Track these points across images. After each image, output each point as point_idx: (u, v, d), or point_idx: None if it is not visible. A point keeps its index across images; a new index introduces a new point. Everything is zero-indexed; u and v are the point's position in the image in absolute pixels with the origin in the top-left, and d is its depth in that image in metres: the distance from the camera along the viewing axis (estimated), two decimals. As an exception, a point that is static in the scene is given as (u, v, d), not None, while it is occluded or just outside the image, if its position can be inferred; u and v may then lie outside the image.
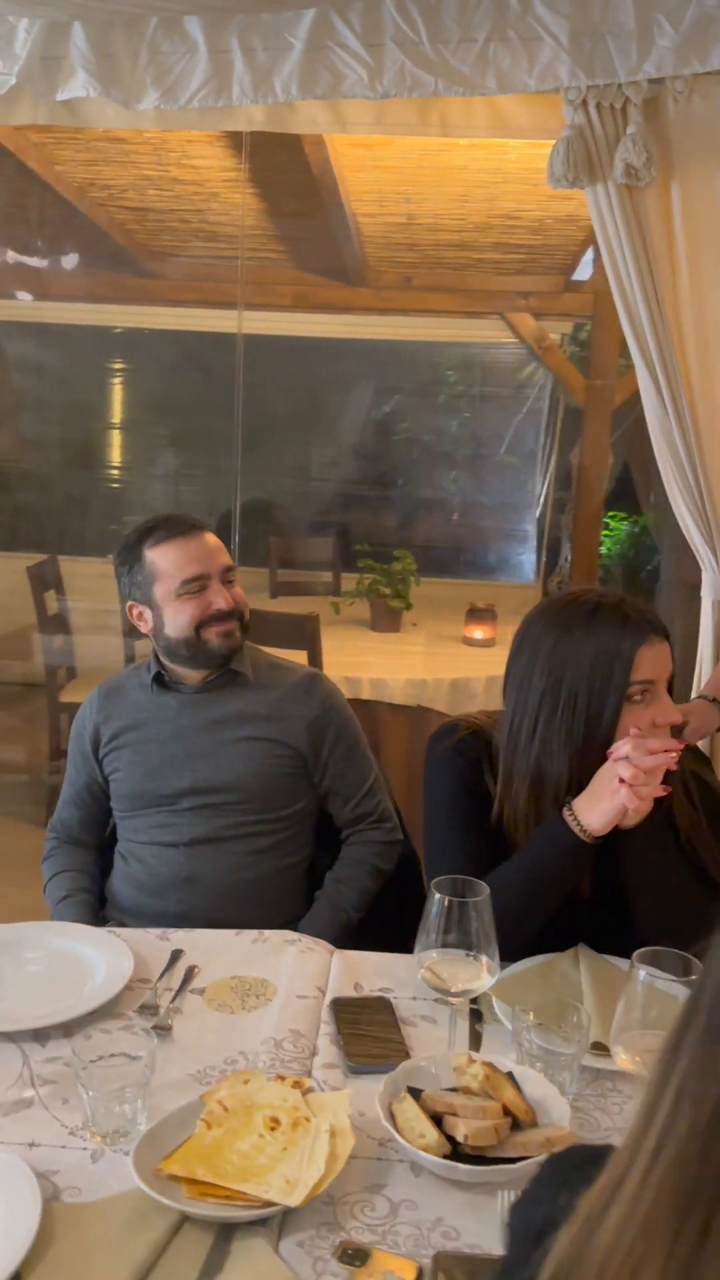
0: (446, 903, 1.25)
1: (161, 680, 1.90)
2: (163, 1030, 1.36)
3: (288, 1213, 1.05)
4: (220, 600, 1.82)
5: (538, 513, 5.77)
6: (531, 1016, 1.25)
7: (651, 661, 1.48)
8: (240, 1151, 1.10)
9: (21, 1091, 1.24)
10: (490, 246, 4.70)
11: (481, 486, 5.89)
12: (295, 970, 1.52)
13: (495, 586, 5.43)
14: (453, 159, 3.56)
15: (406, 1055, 1.31)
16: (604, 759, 1.48)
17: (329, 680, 1.97)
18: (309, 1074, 1.29)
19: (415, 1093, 1.18)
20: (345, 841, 1.96)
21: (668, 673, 1.51)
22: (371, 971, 1.54)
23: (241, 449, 4.23)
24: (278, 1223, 1.04)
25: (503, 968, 1.31)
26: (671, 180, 2.19)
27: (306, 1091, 1.18)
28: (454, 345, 5.96)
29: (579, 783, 1.50)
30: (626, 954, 1.24)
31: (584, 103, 2.15)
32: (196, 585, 1.81)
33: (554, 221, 4.26)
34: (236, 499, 4.27)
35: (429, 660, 3.60)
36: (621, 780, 1.40)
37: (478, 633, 3.87)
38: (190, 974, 1.50)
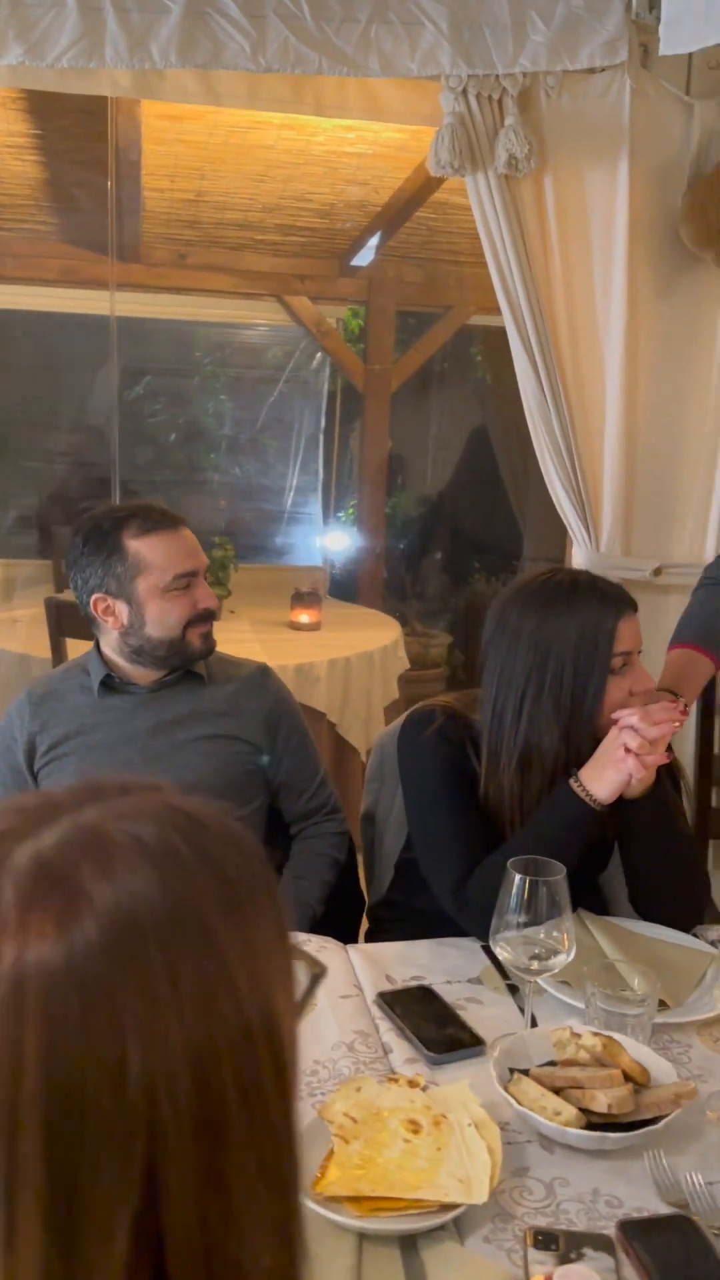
0: (527, 883, 1.26)
1: (109, 682, 1.77)
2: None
3: (462, 1214, 1.03)
4: (208, 599, 1.73)
5: (320, 496, 5.83)
6: (590, 985, 1.30)
7: (629, 633, 1.56)
8: (392, 1160, 1.07)
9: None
10: (272, 228, 4.67)
11: (266, 471, 5.87)
12: (321, 971, 1.48)
13: (286, 570, 5.44)
14: (261, 138, 3.51)
15: (478, 1039, 1.32)
16: (592, 731, 1.55)
17: (275, 672, 1.92)
18: (392, 1071, 1.27)
19: (522, 1072, 1.20)
20: (298, 836, 1.92)
21: (640, 644, 1.60)
22: (394, 961, 1.53)
23: None
24: (453, 1225, 1.03)
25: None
26: (545, 173, 2.29)
27: (424, 1089, 1.17)
28: (227, 326, 5.88)
29: (569, 755, 1.56)
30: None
31: (464, 91, 2.19)
32: (186, 581, 1.71)
33: (344, 207, 4.30)
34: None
35: (265, 648, 3.56)
36: (628, 749, 1.47)
37: (304, 617, 3.87)
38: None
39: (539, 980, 1.34)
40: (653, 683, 1.60)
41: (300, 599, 3.87)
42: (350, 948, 1.56)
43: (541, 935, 1.27)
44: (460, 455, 6.06)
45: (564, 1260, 0.98)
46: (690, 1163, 1.12)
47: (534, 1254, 0.99)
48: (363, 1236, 1.00)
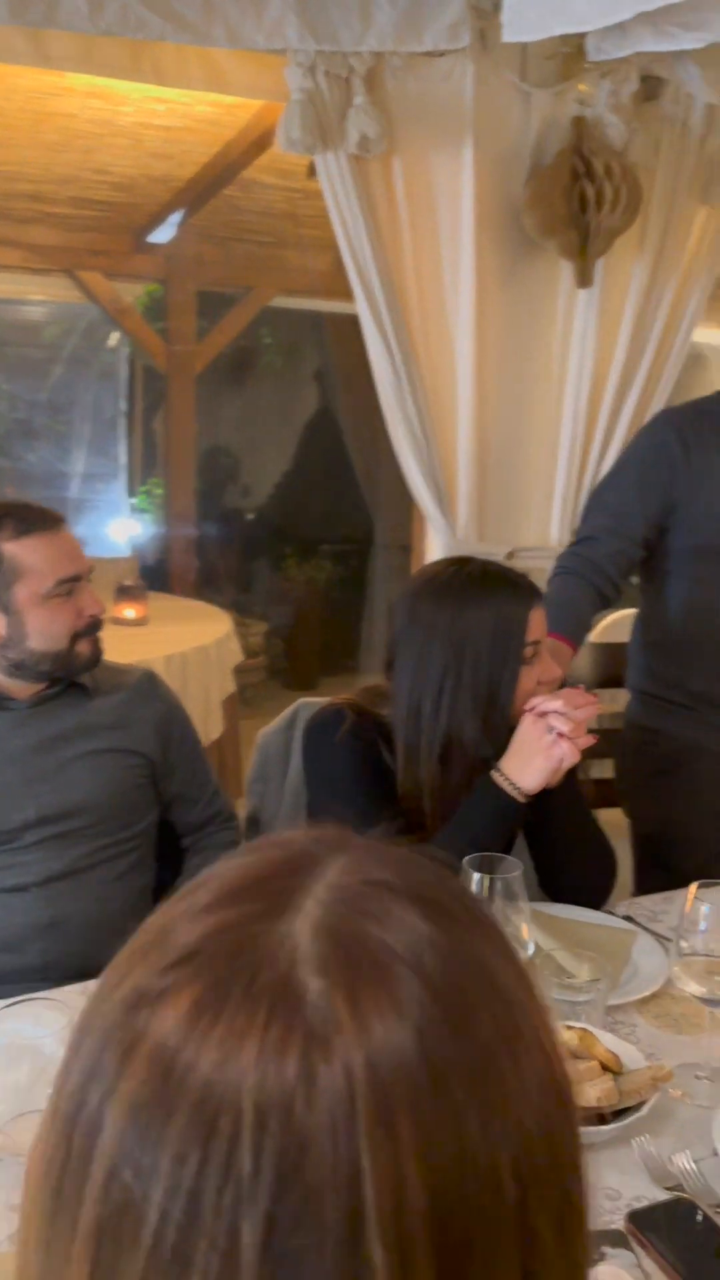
0: (486, 880, 1.25)
1: (-15, 701, 1.62)
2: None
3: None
4: (94, 605, 1.60)
5: (124, 482, 5.61)
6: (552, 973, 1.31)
7: (538, 622, 1.58)
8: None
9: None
10: (65, 200, 4.43)
11: (63, 456, 5.58)
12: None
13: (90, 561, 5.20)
14: (62, 105, 3.31)
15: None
16: (507, 719, 1.56)
17: (161, 677, 1.81)
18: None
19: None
20: (192, 849, 1.83)
21: (545, 632, 1.62)
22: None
23: None
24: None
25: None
26: (394, 156, 2.26)
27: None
28: (13, 303, 5.54)
29: (489, 747, 1.56)
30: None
31: (312, 68, 2.13)
32: (69, 587, 1.57)
33: (146, 181, 4.13)
34: None
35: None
36: (561, 735, 1.48)
37: (129, 611, 3.71)
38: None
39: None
40: (559, 671, 1.62)
41: (125, 593, 3.71)
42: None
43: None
44: (298, 444, 5.99)
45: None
46: (671, 1143, 1.14)
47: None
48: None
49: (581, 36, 2.28)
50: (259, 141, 3.32)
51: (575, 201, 2.30)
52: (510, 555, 2.51)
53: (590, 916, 1.60)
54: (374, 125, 2.16)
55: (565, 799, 1.57)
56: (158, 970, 0.39)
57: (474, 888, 1.25)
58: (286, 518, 5.89)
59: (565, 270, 2.45)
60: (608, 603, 2.01)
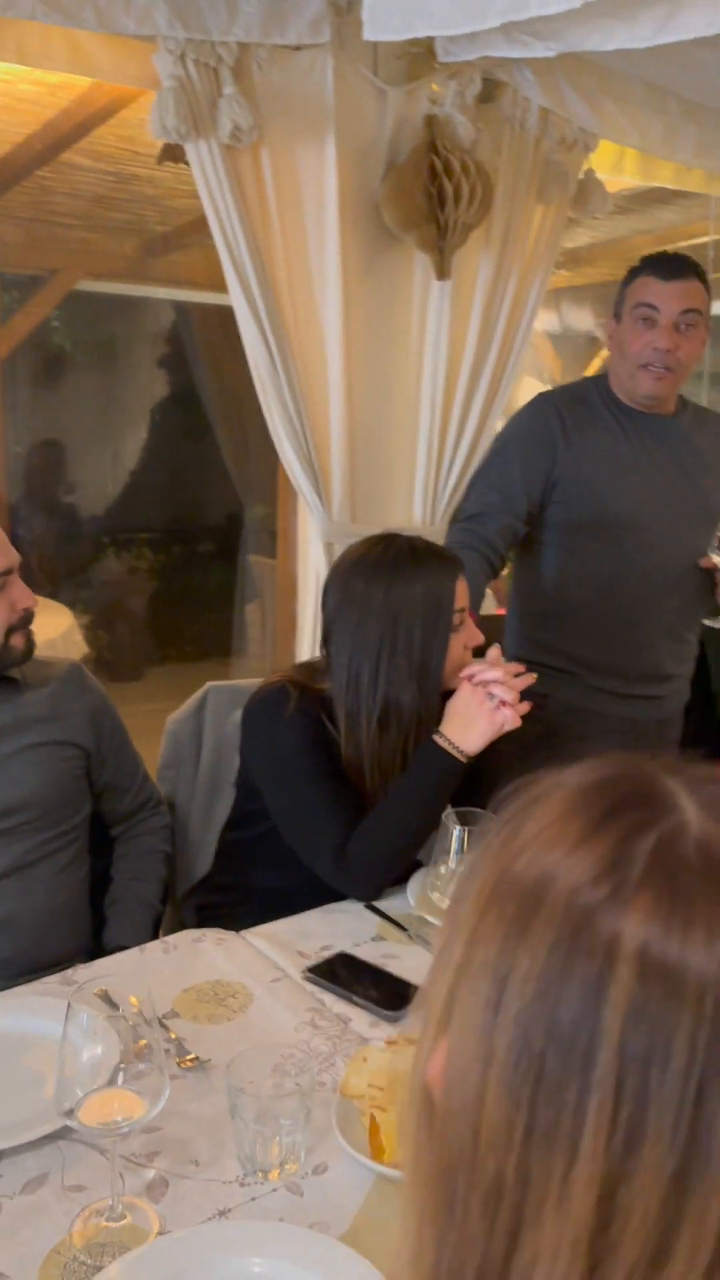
0: (467, 833, 1.35)
1: None
2: (201, 1061, 1.24)
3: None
4: (26, 598, 1.57)
5: None
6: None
7: (462, 592, 1.69)
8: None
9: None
10: None
11: None
12: (237, 961, 1.46)
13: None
14: None
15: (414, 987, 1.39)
16: (439, 684, 1.66)
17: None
18: (364, 1039, 1.30)
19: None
20: (122, 837, 1.84)
21: (468, 601, 1.74)
22: (295, 938, 1.54)
23: None
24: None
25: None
26: (262, 147, 2.30)
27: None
28: None
29: (423, 709, 1.66)
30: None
31: (182, 55, 2.14)
32: (1, 581, 1.54)
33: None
34: None
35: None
36: (503, 702, 1.60)
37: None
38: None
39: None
40: (481, 637, 1.74)
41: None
42: (246, 934, 1.55)
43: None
44: (148, 431, 5.84)
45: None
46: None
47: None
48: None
49: (432, 38, 2.40)
50: (85, 123, 3.26)
51: (434, 197, 2.41)
52: (381, 535, 2.61)
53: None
54: (245, 115, 2.19)
55: (499, 755, 1.69)
56: (590, 881, 0.46)
57: (455, 841, 1.35)
58: (123, 508, 5.78)
59: (420, 262, 2.57)
60: (496, 574, 2.15)
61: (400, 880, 1.66)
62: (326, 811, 1.62)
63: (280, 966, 1.46)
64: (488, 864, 0.51)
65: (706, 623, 2.21)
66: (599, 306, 5.43)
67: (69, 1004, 0.99)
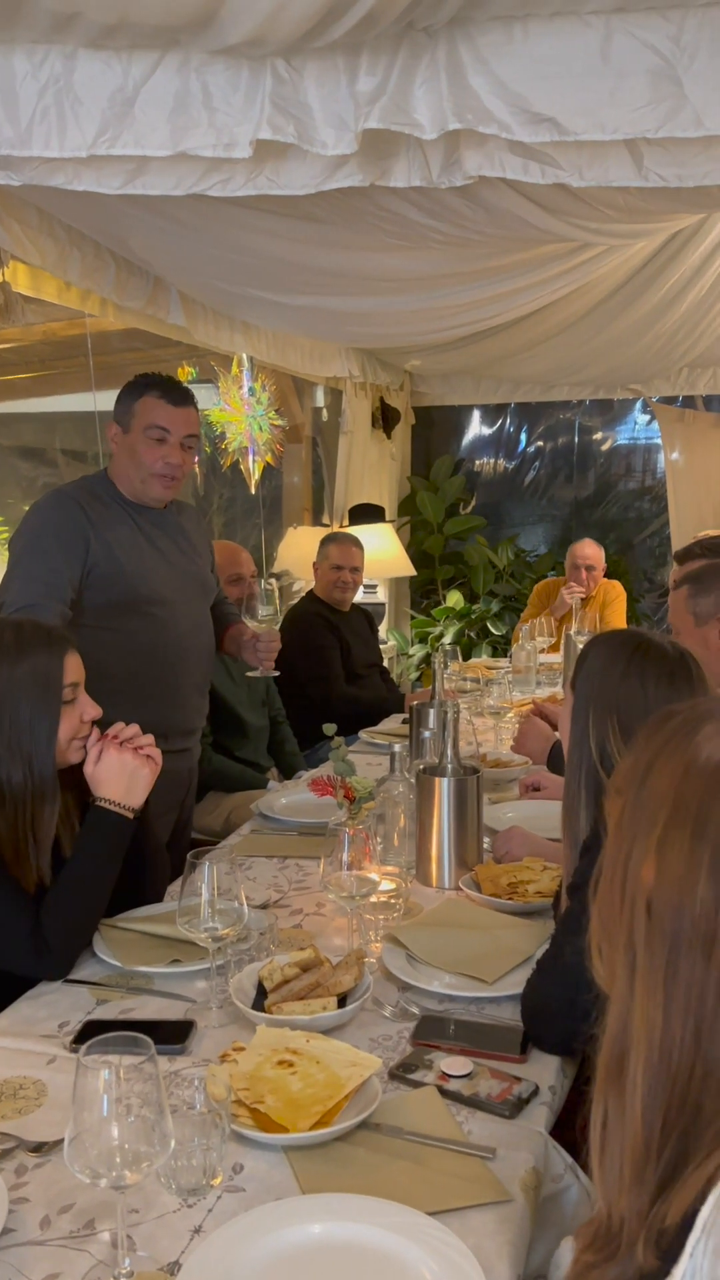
0: (215, 869, 1.53)
1: None
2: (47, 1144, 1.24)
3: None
4: (92, 709, 1.70)
5: None
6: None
7: (74, 667, 1.80)
8: (303, 1090, 1.30)
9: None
10: None
11: None
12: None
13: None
14: None
15: (185, 1022, 1.52)
16: (51, 761, 1.72)
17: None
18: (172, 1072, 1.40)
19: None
20: None
21: (83, 674, 1.84)
22: (26, 1025, 1.54)
23: None
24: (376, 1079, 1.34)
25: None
26: None
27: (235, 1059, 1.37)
28: None
29: (37, 786, 1.70)
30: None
31: None
32: None
33: None
34: None
35: None
36: (149, 757, 1.79)
37: None
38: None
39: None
40: (98, 708, 1.85)
41: None
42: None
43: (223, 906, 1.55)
44: None
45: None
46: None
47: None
48: (340, 1139, 1.26)
49: None
50: None
51: None
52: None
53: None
54: None
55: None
56: None
57: (206, 878, 1.52)
58: None
59: None
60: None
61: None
62: (10, 910, 1.64)
63: (41, 1050, 1.47)
64: (672, 761, 0.84)
65: (250, 675, 2.56)
66: None
67: None
